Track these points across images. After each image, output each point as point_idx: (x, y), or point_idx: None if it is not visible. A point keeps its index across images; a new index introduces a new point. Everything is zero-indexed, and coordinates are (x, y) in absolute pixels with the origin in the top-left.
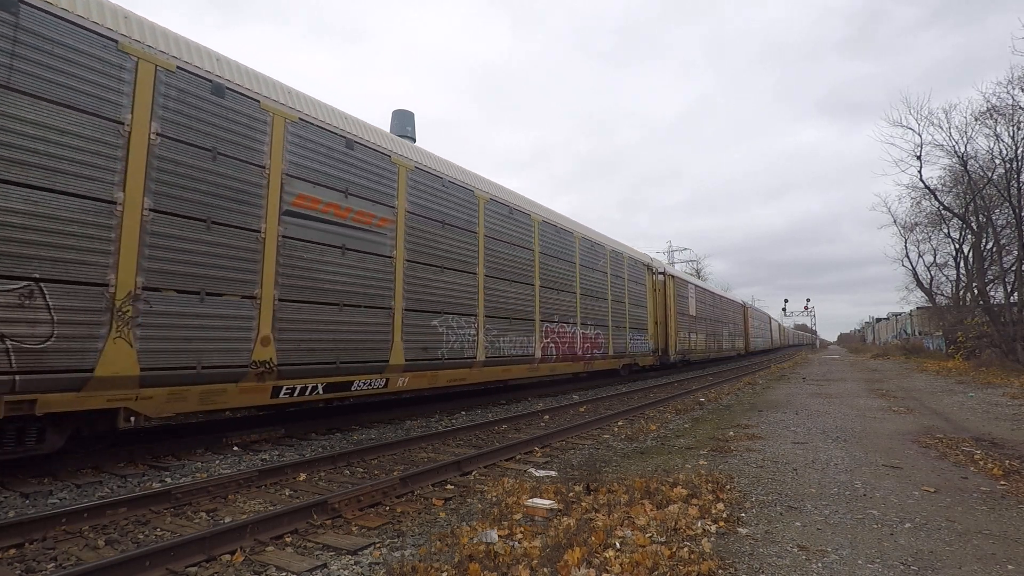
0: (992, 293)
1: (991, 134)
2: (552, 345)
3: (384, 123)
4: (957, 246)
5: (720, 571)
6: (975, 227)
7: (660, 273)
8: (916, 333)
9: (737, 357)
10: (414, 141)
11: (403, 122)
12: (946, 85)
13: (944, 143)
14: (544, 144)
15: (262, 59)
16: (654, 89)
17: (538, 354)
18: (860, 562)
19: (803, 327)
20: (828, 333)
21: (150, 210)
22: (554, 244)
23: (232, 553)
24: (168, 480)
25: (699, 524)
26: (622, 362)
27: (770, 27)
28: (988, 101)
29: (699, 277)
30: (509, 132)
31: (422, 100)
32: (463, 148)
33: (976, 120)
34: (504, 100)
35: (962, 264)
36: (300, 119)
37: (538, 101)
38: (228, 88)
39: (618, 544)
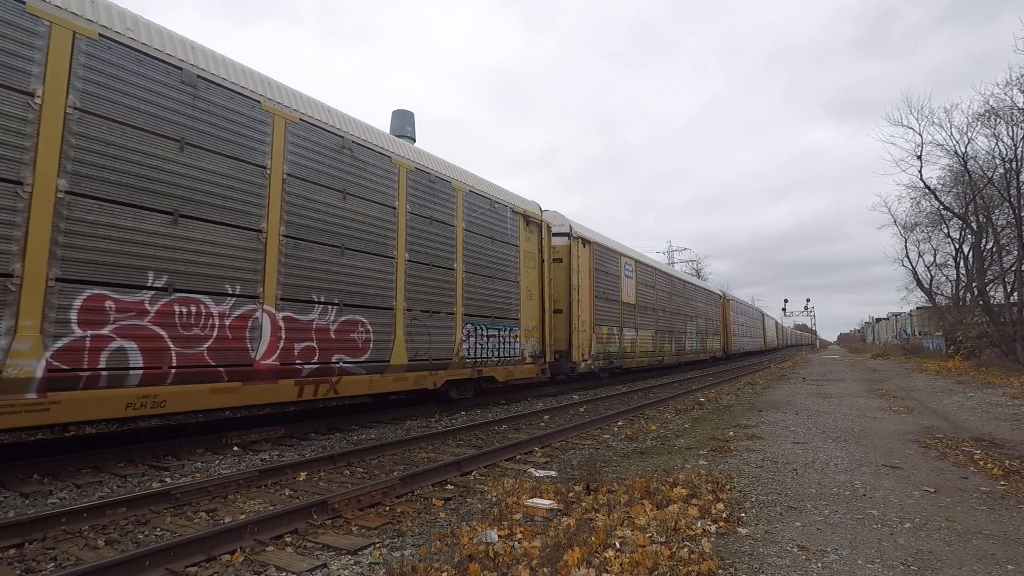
0: (992, 293)
1: (991, 134)
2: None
3: (385, 124)
4: (957, 246)
5: (720, 571)
6: (975, 227)
7: (563, 235)
8: (916, 333)
9: (711, 361)
10: (414, 141)
11: (403, 122)
12: (957, 85)
13: (944, 143)
14: (553, 144)
15: (271, 59)
16: (665, 90)
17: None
18: (860, 562)
19: (803, 327)
20: (828, 333)
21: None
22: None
23: (232, 553)
24: (168, 480)
25: (699, 524)
26: (439, 377)
27: (781, 27)
28: (987, 102)
29: (699, 277)
30: (518, 133)
31: (432, 101)
32: (472, 149)
33: (976, 120)
34: (514, 100)
35: (962, 264)
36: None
37: (548, 101)
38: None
39: (618, 544)
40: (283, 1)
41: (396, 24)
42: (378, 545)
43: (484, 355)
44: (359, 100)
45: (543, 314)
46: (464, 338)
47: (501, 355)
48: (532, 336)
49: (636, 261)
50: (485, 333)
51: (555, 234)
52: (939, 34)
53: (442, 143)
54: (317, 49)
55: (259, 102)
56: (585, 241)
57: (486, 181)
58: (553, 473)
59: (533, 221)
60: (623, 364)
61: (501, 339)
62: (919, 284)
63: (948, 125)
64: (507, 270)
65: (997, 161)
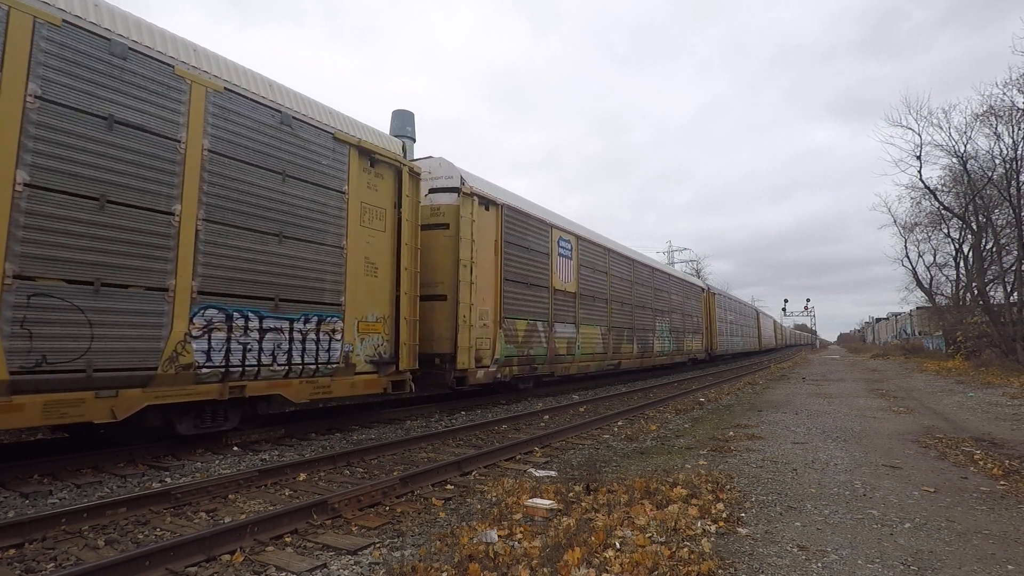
0: (992, 293)
1: (991, 134)
2: None
3: (385, 124)
4: (957, 246)
5: (720, 571)
6: (975, 227)
7: (450, 190)
8: (916, 333)
9: (690, 364)
10: (414, 141)
11: (403, 122)
12: (962, 84)
13: (944, 143)
14: (556, 145)
15: (277, 61)
16: (668, 90)
17: None
18: (860, 562)
19: (803, 327)
20: (828, 333)
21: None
22: None
23: (232, 553)
24: (168, 480)
25: (699, 524)
26: (127, 401)
27: (785, 27)
28: (987, 103)
29: (699, 277)
30: (522, 133)
31: (435, 101)
32: (474, 150)
33: (977, 119)
34: (519, 101)
35: (962, 264)
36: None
37: (552, 102)
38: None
39: (618, 544)
40: (287, 2)
41: (400, 24)
42: (378, 545)
43: (255, 361)
44: (362, 100)
45: (396, 299)
46: (200, 332)
47: (297, 361)
48: (374, 331)
49: (577, 236)
50: (257, 325)
51: (439, 189)
52: (944, 34)
53: (444, 143)
54: (321, 49)
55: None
56: (488, 202)
57: (277, 84)
58: (553, 473)
59: (382, 160)
60: (555, 371)
61: (299, 335)
62: (919, 284)
63: (947, 125)
64: (316, 227)
65: (997, 161)
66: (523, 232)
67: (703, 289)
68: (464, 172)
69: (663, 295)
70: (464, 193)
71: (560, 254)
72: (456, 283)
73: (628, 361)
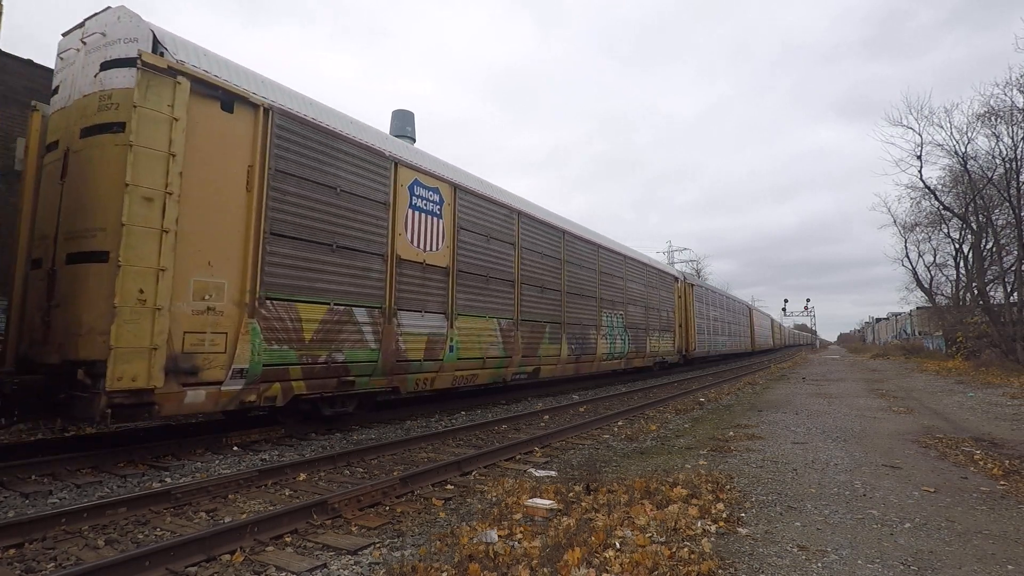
0: (992, 293)
1: (991, 134)
2: None
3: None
4: (957, 246)
5: (720, 571)
6: (975, 227)
7: (127, 63)
8: (916, 333)
9: (658, 369)
10: (414, 141)
11: (403, 122)
12: (966, 84)
13: (944, 143)
14: (560, 145)
15: (286, 60)
16: (673, 91)
17: None
18: (860, 562)
19: (803, 327)
20: (828, 333)
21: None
22: None
23: (232, 553)
24: (168, 480)
25: (699, 524)
26: None
27: (789, 28)
28: (987, 103)
29: (699, 276)
30: (526, 133)
31: (440, 101)
32: (479, 149)
33: (977, 119)
34: (523, 101)
35: (962, 264)
36: None
37: (556, 102)
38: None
39: (618, 544)
40: (296, 1)
41: (406, 25)
42: (378, 545)
43: None
44: (367, 101)
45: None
46: None
47: None
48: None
49: (454, 186)
50: None
51: (114, 62)
52: (950, 34)
53: (448, 143)
54: (328, 50)
55: None
56: (233, 98)
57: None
58: (553, 473)
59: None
60: (402, 385)
61: None
62: (919, 284)
63: (948, 125)
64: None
65: (997, 161)
66: (322, 161)
67: (677, 278)
68: (166, 33)
69: (615, 282)
70: (152, 69)
71: (417, 208)
72: (123, 231)
73: (552, 367)
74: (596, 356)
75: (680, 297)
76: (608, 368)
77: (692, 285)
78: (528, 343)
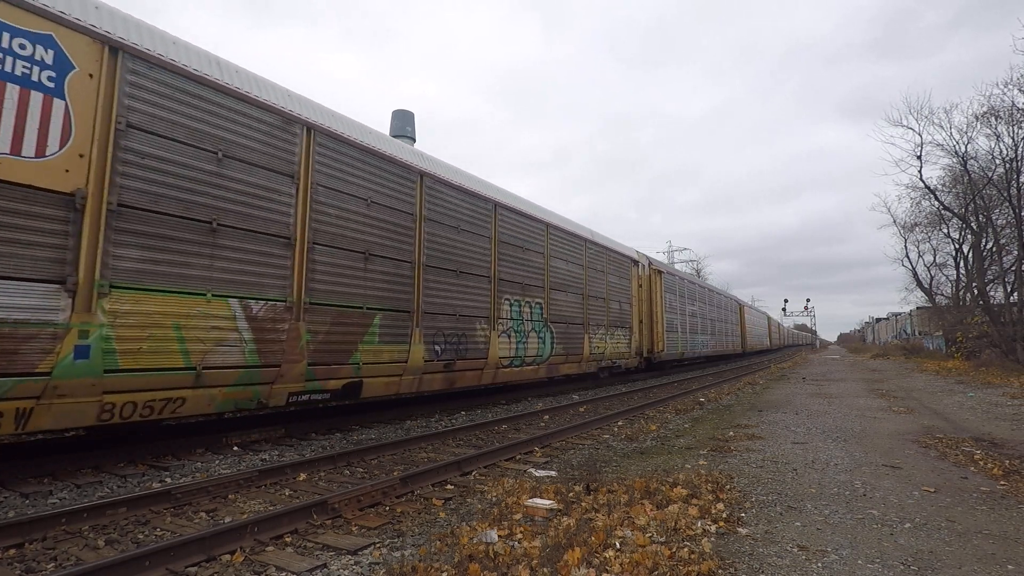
0: (992, 293)
1: (991, 134)
2: None
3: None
4: (957, 246)
5: (720, 571)
6: (975, 227)
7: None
8: (916, 333)
9: (606, 377)
10: (414, 141)
11: (403, 122)
12: (969, 84)
13: (944, 143)
14: (564, 146)
15: (292, 61)
16: (678, 91)
17: None
18: (860, 562)
19: (803, 327)
20: (828, 333)
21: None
22: None
23: (232, 553)
24: (168, 480)
25: (699, 524)
26: None
27: (795, 29)
28: (988, 103)
29: (699, 277)
30: (530, 133)
31: (447, 102)
32: (484, 150)
33: (977, 119)
34: (528, 102)
35: (962, 264)
36: None
37: (561, 102)
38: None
39: (618, 544)
40: (303, 2)
41: (412, 26)
42: (378, 545)
43: None
44: (373, 100)
45: None
46: None
47: None
48: None
49: (331, 135)
50: None
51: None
52: (955, 35)
53: (454, 143)
54: (335, 51)
55: None
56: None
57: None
58: (553, 473)
59: None
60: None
61: None
62: (919, 284)
63: (948, 125)
64: None
65: (997, 161)
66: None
67: (638, 262)
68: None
69: (532, 258)
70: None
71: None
72: None
73: (390, 380)
74: (489, 360)
75: (642, 286)
76: (516, 378)
77: (660, 272)
78: (329, 342)
